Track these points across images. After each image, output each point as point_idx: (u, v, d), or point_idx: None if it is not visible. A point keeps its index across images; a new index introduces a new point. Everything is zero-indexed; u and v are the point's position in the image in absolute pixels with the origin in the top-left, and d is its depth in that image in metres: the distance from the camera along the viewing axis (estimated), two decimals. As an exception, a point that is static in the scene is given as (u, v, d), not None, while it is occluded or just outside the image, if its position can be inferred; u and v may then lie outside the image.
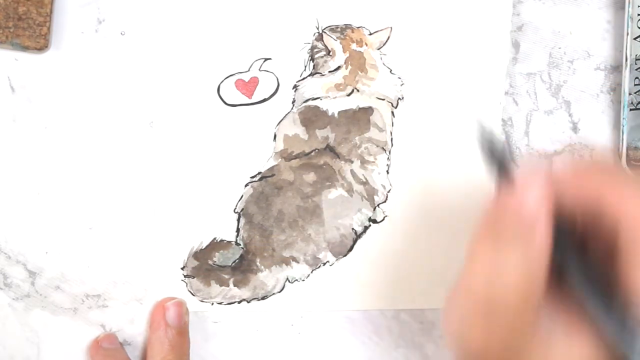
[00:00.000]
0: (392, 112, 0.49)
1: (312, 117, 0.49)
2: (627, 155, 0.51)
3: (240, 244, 0.49)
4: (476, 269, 0.30)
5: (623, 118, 0.50)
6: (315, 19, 0.48)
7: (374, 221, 0.50)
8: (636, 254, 0.28)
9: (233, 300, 0.49)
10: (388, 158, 0.50)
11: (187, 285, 0.49)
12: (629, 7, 0.49)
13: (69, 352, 0.49)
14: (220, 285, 0.49)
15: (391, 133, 0.50)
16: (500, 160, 0.30)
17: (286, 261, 0.49)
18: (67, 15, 0.46)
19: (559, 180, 0.30)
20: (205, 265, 0.49)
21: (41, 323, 0.49)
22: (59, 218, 0.48)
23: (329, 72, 0.49)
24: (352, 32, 0.49)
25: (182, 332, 0.48)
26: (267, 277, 0.49)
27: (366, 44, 0.49)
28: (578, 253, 0.30)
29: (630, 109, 0.52)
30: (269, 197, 0.49)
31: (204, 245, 0.49)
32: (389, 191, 0.50)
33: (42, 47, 0.45)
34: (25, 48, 0.45)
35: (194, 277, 0.49)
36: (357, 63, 0.49)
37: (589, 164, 0.31)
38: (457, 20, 0.49)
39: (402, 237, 0.50)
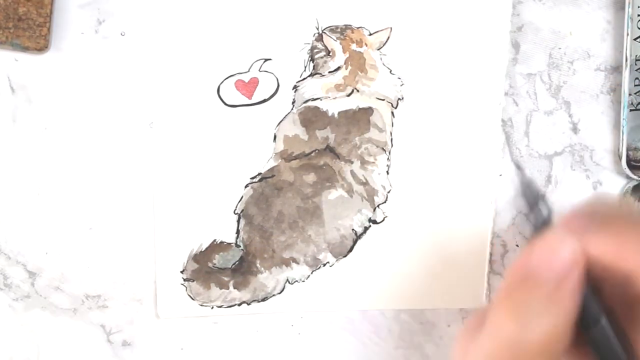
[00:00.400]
0: (392, 113, 0.49)
1: (312, 117, 0.49)
2: (627, 155, 0.51)
3: (240, 246, 0.49)
4: (500, 330, 0.28)
5: (623, 119, 0.50)
6: (315, 19, 0.48)
7: (374, 222, 0.50)
8: None
9: (233, 303, 0.49)
10: (388, 158, 0.50)
11: (186, 289, 0.49)
12: (629, 7, 0.49)
13: (69, 352, 0.49)
14: (220, 288, 0.49)
15: (391, 133, 0.50)
16: (538, 208, 0.29)
17: (286, 262, 0.49)
18: (67, 16, 0.46)
19: (596, 242, 0.28)
20: (205, 268, 0.49)
21: (41, 323, 0.49)
22: (59, 218, 0.48)
23: (329, 72, 0.49)
24: (352, 32, 0.48)
25: None
26: (267, 278, 0.49)
27: (366, 44, 0.49)
28: (604, 316, 0.29)
29: (630, 110, 0.52)
30: (269, 198, 0.49)
31: (203, 248, 0.49)
32: (389, 192, 0.50)
33: (42, 48, 0.45)
34: (25, 48, 0.45)
35: (193, 281, 0.49)
36: (357, 63, 0.49)
37: (629, 228, 0.28)
38: (457, 21, 0.49)
39: (402, 237, 0.50)
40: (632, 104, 0.52)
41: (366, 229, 0.50)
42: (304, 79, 0.48)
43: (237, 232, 0.49)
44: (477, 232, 0.51)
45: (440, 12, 0.49)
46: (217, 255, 0.49)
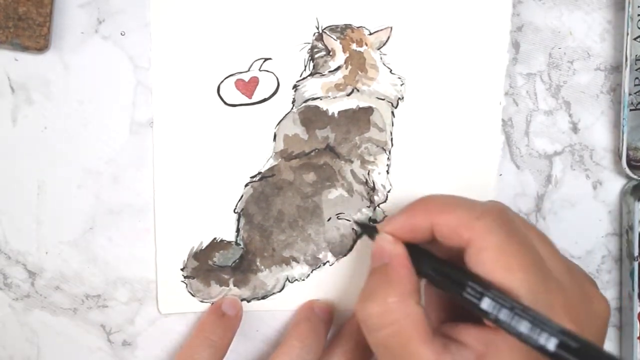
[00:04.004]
0: (392, 112, 0.49)
1: (312, 117, 0.49)
2: (627, 155, 0.51)
3: (240, 244, 0.49)
4: (365, 320, 0.39)
5: (623, 118, 0.50)
6: (315, 19, 0.48)
7: (374, 221, 0.50)
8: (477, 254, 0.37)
9: (233, 300, 0.49)
10: (388, 158, 0.50)
11: (187, 286, 0.49)
12: (629, 7, 0.49)
13: (69, 352, 0.49)
14: (221, 286, 0.49)
15: (391, 133, 0.50)
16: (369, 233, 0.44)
17: (286, 261, 0.49)
18: (67, 15, 0.46)
19: (398, 222, 0.41)
20: (205, 266, 0.49)
21: (41, 323, 0.49)
22: (59, 218, 0.48)
23: (329, 72, 0.49)
24: (352, 32, 0.48)
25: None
26: (267, 277, 0.49)
27: (366, 44, 0.49)
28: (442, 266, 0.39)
29: (630, 110, 0.52)
30: (269, 197, 0.49)
31: (204, 246, 0.49)
32: (389, 191, 0.50)
33: (42, 47, 0.45)
34: (25, 48, 0.45)
35: (194, 278, 0.49)
36: (357, 63, 0.49)
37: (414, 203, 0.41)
38: (457, 20, 0.49)
39: (402, 237, 0.50)
40: (632, 103, 0.52)
41: (366, 228, 0.50)
42: (304, 78, 0.48)
43: (237, 230, 0.49)
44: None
45: (440, 12, 0.49)
46: (217, 253, 0.49)
